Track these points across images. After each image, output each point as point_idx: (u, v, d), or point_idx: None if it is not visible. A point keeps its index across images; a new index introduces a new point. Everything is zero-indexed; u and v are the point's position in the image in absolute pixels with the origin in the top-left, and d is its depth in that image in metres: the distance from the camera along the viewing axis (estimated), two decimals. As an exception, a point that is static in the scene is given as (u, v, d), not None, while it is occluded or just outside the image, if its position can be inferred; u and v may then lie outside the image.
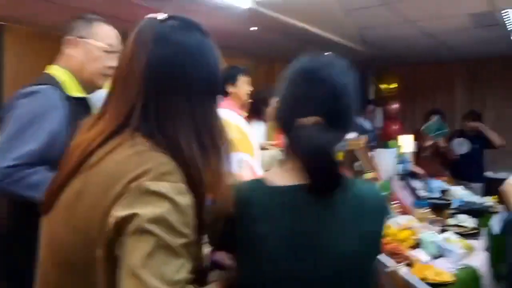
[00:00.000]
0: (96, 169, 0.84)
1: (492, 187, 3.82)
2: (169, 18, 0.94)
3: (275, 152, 2.53)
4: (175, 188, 0.79)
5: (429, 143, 4.63)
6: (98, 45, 1.64)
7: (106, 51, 1.64)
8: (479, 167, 5.08)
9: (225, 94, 2.86)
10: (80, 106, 1.61)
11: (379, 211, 1.08)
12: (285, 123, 1.08)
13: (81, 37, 1.64)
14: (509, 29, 4.32)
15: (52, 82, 1.58)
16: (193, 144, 0.86)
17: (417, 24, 4.16)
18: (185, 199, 0.81)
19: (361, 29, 4.30)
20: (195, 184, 0.84)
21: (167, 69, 0.87)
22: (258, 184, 1.06)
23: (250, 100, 2.93)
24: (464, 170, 4.91)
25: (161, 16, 0.93)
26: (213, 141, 0.91)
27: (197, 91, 0.90)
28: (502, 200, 3.73)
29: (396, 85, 6.15)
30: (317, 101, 1.02)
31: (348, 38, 4.57)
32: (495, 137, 4.77)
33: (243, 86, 2.82)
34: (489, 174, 5.26)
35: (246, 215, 1.01)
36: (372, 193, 1.09)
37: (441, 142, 4.72)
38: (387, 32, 4.42)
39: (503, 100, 5.72)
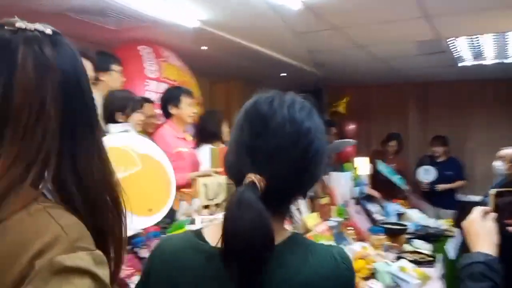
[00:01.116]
0: None
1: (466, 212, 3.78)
2: (53, 31, 0.73)
3: (221, 179, 2.34)
4: (93, 258, 0.63)
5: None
6: None
7: None
8: (450, 193, 5.02)
9: (167, 115, 2.67)
10: None
11: None
12: (231, 175, 0.88)
13: None
14: (455, 56, 4.42)
15: None
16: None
17: (366, 49, 4.17)
18: (105, 271, 0.64)
19: (310, 52, 4.26)
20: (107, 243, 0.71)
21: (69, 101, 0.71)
22: (188, 240, 0.87)
23: (192, 122, 2.77)
24: (435, 197, 4.86)
25: (44, 28, 0.72)
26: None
27: (86, 123, 0.74)
28: (457, 224, 3.72)
29: (346, 107, 6.16)
30: (264, 153, 0.80)
31: (299, 60, 4.52)
32: None
33: (186, 108, 2.65)
34: (460, 197, 5.16)
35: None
36: (327, 272, 0.81)
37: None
38: (337, 55, 4.41)
39: (452, 125, 5.83)
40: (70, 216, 0.65)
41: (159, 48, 3.61)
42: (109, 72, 2.73)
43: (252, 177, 0.78)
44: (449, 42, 3.97)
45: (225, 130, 3.02)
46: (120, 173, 1.29)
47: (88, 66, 1.59)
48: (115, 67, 2.79)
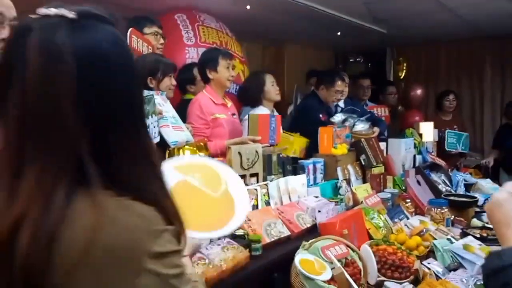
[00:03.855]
0: None
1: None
2: (81, 14, 0.63)
3: (258, 148, 2.16)
4: (173, 235, 0.66)
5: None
6: None
7: None
8: None
9: (206, 80, 2.52)
10: None
11: None
12: None
13: None
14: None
15: None
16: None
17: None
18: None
19: (366, 4, 3.81)
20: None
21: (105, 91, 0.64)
22: None
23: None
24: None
25: (67, 12, 0.62)
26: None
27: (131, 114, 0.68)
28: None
29: (408, 70, 5.57)
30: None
31: (355, 15, 4.10)
32: None
33: (224, 71, 2.48)
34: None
35: None
36: None
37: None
38: (397, 6, 3.90)
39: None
40: (141, 205, 0.64)
41: (195, 13, 3.52)
42: (151, 43, 2.67)
43: None
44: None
45: (272, 90, 2.83)
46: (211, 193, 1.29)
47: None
48: (147, 29, 2.70)
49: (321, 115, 3.20)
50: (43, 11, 0.62)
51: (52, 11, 0.62)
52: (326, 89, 3.31)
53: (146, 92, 1.91)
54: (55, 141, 0.60)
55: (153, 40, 2.71)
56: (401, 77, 5.44)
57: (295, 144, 2.60)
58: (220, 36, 3.48)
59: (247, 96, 2.86)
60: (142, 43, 2.61)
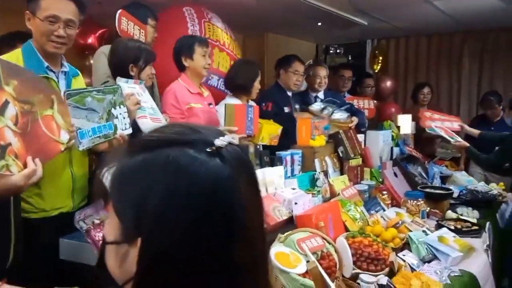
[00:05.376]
0: None
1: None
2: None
3: (235, 139, 2.12)
4: None
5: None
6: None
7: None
8: None
9: (181, 68, 2.45)
10: None
11: None
12: None
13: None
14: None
15: None
16: None
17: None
18: None
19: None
20: None
21: None
22: None
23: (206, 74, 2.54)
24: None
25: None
26: None
27: None
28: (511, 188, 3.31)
29: (383, 65, 5.56)
30: None
31: (336, 6, 4.05)
32: None
33: (200, 59, 2.41)
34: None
35: None
36: None
37: None
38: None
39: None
40: None
41: (203, 9, 3.49)
42: (145, 26, 2.59)
43: None
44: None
45: (257, 86, 2.74)
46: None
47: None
48: (151, 21, 2.62)
49: (268, 104, 3.13)
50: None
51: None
52: (284, 72, 3.29)
53: (112, 83, 1.84)
54: None
55: (152, 33, 2.64)
56: (376, 71, 5.45)
57: (264, 131, 2.53)
58: (223, 36, 3.45)
59: (235, 84, 2.72)
60: (134, 25, 2.52)
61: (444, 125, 3.53)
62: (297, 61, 3.28)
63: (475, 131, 3.57)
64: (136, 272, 0.53)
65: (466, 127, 3.62)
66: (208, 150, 0.55)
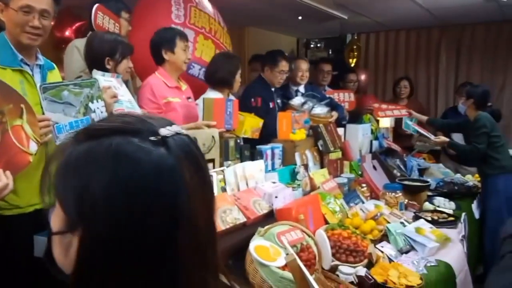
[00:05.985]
0: None
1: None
2: None
3: (214, 133, 2.11)
4: None
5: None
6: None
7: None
8: None
9: (159, 61, 2.41)
10: None
11: None
12: None
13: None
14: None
15: None
16: None
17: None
18: None
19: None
20: None
21: None
22: None
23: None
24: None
25: None
26: None
27: None
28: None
29: (358, 58, 5.62)
30: None
31: (318, 1, 4.07)
32: None
33: (181, 53, 2.38)
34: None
35: None
36: None
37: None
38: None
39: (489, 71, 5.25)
40: None
41: None
42: (118, 19, 2.55)
43: None
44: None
45: (238, 79, 2.71)
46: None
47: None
48: (124, 14, 2.60)
49: (258, 99, 3.12)
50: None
51: None
52: (270, 70, 3.28)
53: (88, 77, 1.81)
54: None
55: (126, 26, 2.61)
56: (352, 65, 5.50)
57: (246, 123, 2.52)
58: (211, 23, 3.28)
59: (216, 78, 2.67)
60: (109, 20, 2.47)
61: (394, 113, 3.80)
62: (283, 61, 3.25)
63: (423, 117, 3.82)
64: (75, 260, 0.53)
65: (414, 113, 3.85)
66: (152, 139, 0.54)
